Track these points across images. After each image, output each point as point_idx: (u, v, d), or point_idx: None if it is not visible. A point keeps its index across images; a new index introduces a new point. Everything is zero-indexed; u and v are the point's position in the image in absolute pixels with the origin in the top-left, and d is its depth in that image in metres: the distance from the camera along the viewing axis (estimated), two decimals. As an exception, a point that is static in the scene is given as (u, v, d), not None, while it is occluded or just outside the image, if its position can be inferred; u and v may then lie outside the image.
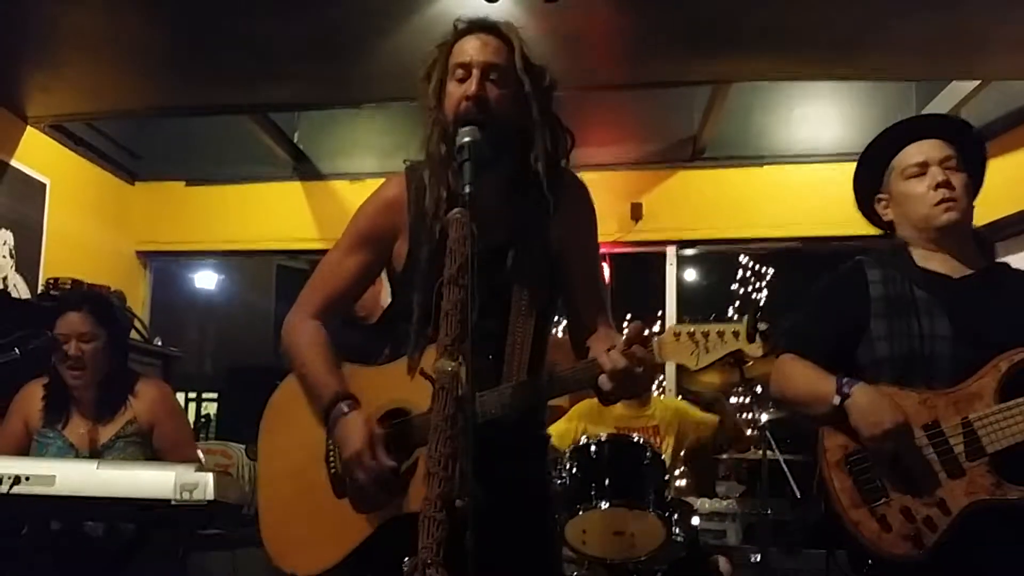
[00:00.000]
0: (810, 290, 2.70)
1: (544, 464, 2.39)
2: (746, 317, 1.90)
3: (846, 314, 2.50)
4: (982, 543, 2.22)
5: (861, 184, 2.67)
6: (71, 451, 3.35)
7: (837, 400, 2.35)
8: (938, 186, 2.45)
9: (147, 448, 3.43)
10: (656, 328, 2.01)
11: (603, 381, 1.96)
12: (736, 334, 1.89)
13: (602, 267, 2.42)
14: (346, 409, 2.11)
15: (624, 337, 1.95)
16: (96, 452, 3.34)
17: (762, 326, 1.88)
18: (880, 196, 2.61)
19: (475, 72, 2.08)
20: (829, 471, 2.38)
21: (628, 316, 2.09)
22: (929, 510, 2.24)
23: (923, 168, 2.49)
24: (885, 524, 2.27)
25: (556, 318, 2.34)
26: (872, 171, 2.62)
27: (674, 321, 6.35)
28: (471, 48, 2.11)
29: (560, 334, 2.43)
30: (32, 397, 3.47)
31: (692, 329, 1.92)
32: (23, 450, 3.38)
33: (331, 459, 2.21)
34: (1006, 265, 2.57)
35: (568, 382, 2.08)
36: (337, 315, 2.36)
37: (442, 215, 2.08)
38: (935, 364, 2.35)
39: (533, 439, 2.29)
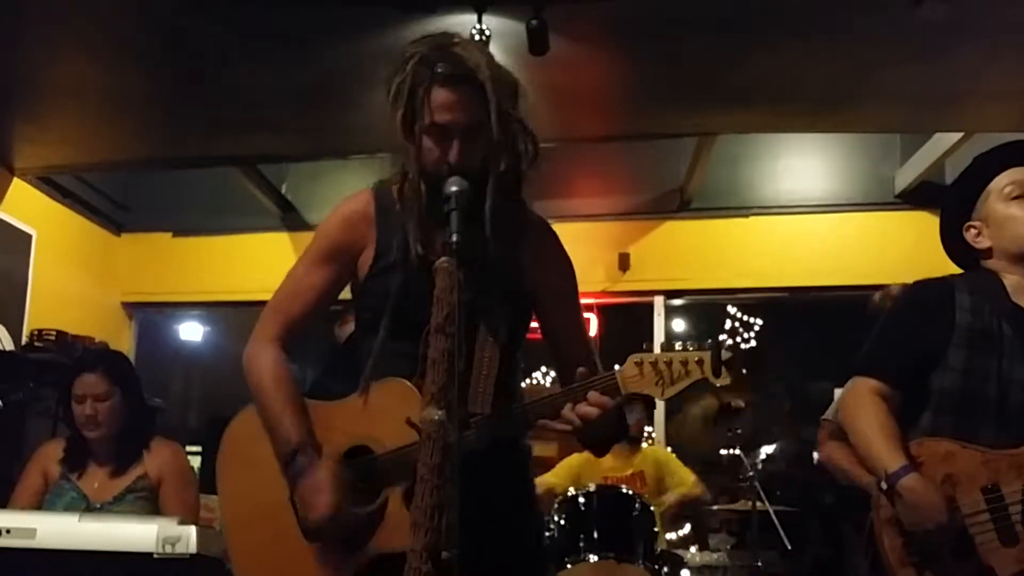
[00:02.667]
0: (894, 308, 2.61)
1: (528, 477, 2.33)
2: (709, 345, 1.85)
3: (926, 339, 2.38)
4: None
5: (950, 215, 2.52)
6: (83, 501, 3.38)
7: (884, 486, 2.27)
8: None
9: (155, 504, 3.47)
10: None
11: (563, 428, 1.93)
12: (700, 363, 1.84)
13: (582, 311, 2.36)
14: (306, 463, 2.02)
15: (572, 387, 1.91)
16: (107, 504, 3.38)
17: (726, 355, 1.84)
18: (972, 224, 2.47)
19: (456, 143, 2.02)
20: (880, 526, 2.30)
21: (616, 367, 2.03)
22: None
23: (1023, 189, 2.40)
24: None
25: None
26: (962, 200, 2.50)
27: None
28: (449, 107, 2.03)
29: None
30: (52, 450, 3.55)
31: (654, 358, 1.87)
32: (40, 502, 3.44)
33: (296, 498, 2.10)
34: None
35: (540, 415, 1.99)
36: (302, 334, 2.27)
37: (414, 237, 2.07)
38: (1005, 410, 2.28)
39: (515, 457, 2.21)
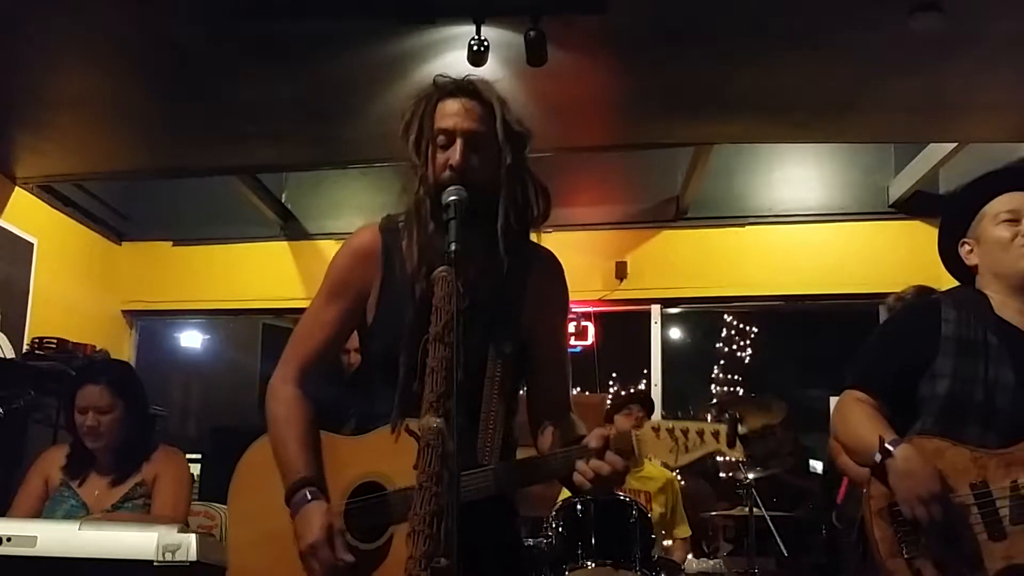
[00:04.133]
0: (882, 325, 2.71)
1: (515, 529, 2.36)
2: (727, 419, 1.90)
3: (914, 351, 2.49)
4: None
5: (947, 230, 2.66)
6: (83, 509, 3.38)
7: (878, 458, 2.33)
8: None
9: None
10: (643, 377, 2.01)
11: (580, 481, 1.95)
12: (716, 435, 1.89)
13: (567, 351, 2.37)
14: (309, 497, 2.06)
15: (593, 444, 1.93)
16: (106, 512, 3.37)
17: (742, 429, 1.90)
18: (965, 241, 2.60)
19: (458, 142, 2.09)
20: (871, 518, 2.36)
21: (614, 374, 2.09)
22: (965, 568, 2.24)
23: (1016, 215, 2.50)
24: None
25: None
26: (960, 217, 2.61)
27: (660, 383, 6.34)
28: (453, 114, 2.11)
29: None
30: (54, 458, 3.54)
31: (671, 426, 1.91)
32: (41, 509, 3.43)
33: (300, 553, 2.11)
34: None
35: (551, 470, 2.05)
36: (322, 369, 2.33)
37: (421, 274, 2.08)
38: (992, 413, 2.35)
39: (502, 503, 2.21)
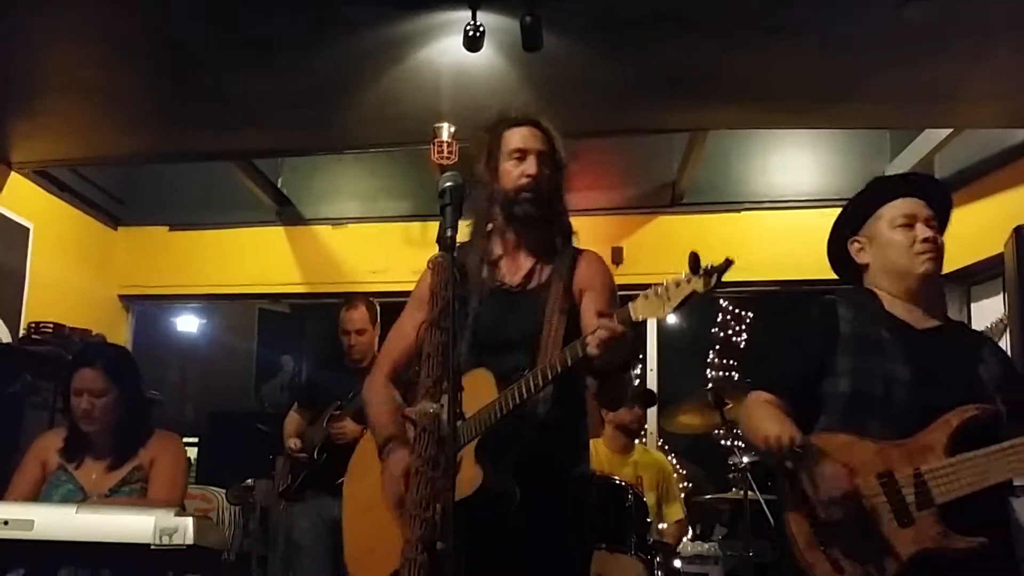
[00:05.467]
0: (783, 327, 2.84)
1: (583, 502, 2.65)
2: (688, 259, 2.16)
3: (815, 351, 2.59)
4: None
5: (841, 225, 2.77)
6: (80, 493, 3.38)
7: (789, 465, 2.45)
8: (924, 240, 2.59)
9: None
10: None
11: (591, 351, 2.18)
12: (688, 279, 2.14)
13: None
14: (392, 449, 2.46)
15: (600, 315, 2.24)
16: (102, 496, 3.38)
17: (705, 264, 2.14)
18: (857, 239, 2.71)
19: (532, 158, 2.60)
20: (788, 514, 2.48)
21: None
22: (879, 555, 2.34)
23: (911, 221, 2.62)
24: (837, 567, 2.36)
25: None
26: (856, 215, 2.73)
27: (656, 368, 6.39)
28: (526, 137, 2.63)
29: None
30: (51, 441, 3.55)
31: (653, 289, 2.21)
32: (38, 492, 3.44)
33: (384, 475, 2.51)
34: (964, 324, 2.69)
35: (555, 367, 2.28)
36: (407, 368, 2.68)
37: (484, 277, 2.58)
38: (891, 407, 2.45)
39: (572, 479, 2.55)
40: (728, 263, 2.11)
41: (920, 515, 2.33)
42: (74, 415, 3.46)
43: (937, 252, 2.60)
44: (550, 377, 2.29)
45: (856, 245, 2.71)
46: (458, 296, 2.43)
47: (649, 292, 2.20)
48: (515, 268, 2.61)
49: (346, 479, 2.81)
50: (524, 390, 2.27)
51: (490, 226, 2.68)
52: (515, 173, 2.59)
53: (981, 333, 2.80)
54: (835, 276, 2.85)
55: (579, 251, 2.69)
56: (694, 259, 2.14)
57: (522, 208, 2.56)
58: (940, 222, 2.68)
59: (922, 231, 2.59)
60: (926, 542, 2.30)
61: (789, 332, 2.84)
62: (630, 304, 2.21)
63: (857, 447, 2.42)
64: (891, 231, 2.62)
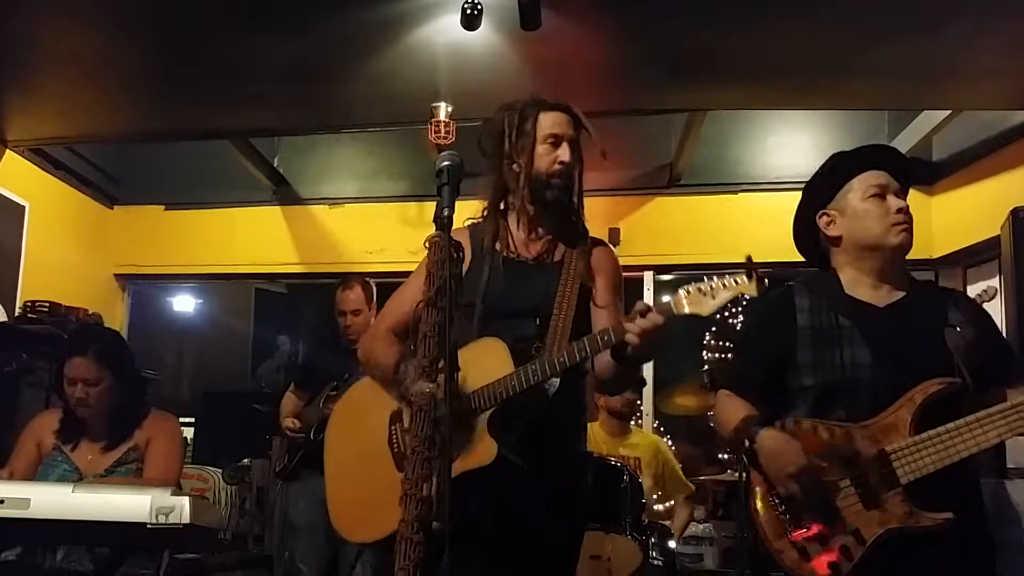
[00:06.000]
0: (744, 321, 2.85)
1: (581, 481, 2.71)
2: (745, 263, 2.21)
3: (774, 347, 2.61)
4: (897, 569, 2.32)
5: (809, 200, 2.76)
6: (75, 474, 3.40)
7: (747, 444, 2.49)
8: (899, 210, 2.57)
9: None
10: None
11: (631, 339, 2.24)
12: (737, 281, 2.18)
13: (617, 292, 2.74)
14: (405, 367, 2.39)
15: (635, 310, 2.26)
16: (98, 476, 3.40)
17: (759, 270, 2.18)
18: (827, 212, 2.69)
19: (565, 145, 2.65)
20: (753, 503, 2.51)
21: (666, 298, 2.33)
22: (845, 539, 2.34)
23: (883, 191, 2.60)
24: (804, 554, 2.38)
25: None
26: (823, 189, 2.72)
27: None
28: (560, 123, 2.67)
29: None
30: (48, 421, 3.56)
31: (700, 286, 2.24)
32: (34, 473, 3.46)
33: (394, 441, 2.53)
34: (930, 285, 2.67)
35: (585, 349, 2.32)
36: (406, 332, 2.60)
37: (497, 254, 2.62)
38: (856, 393, 2.45)
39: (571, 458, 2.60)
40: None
41: (887, 496, 2.33)
42: (68, 402, 3.47)
43: (910, 224, 2.57)
44: (578, 359, 2.33)
45: (826, 218, 2.68)
46: (473, 269, 2.60)
47: (691, 287, 2.22)
48: (531, 244, 2.67)
49: (329, 428, 2.79)
50: (548, 369, 2.32)
51: (504, 203, 2.72)
52: (549, 158, 2.64)
53: (950, 291, 2.76)
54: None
55: (595, 241, 2.73)
56: (750, 262, 2.18)
57: (553, 193, 2.61)
58: (905, 194, 2.65)
59: (895, 202, 2.58)
60: (892, 522, 2.31)
61: (749, 330, 2.90)
62: (672, 298, 2.24)
63: (820, 431, 2.44)
64: (863, 202, 2.60)
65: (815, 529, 2.38)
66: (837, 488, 2.38)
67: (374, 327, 2.80)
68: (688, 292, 2.21)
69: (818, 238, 2.73)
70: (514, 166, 2.65)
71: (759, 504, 2.49)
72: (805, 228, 2.77)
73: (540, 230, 2.68)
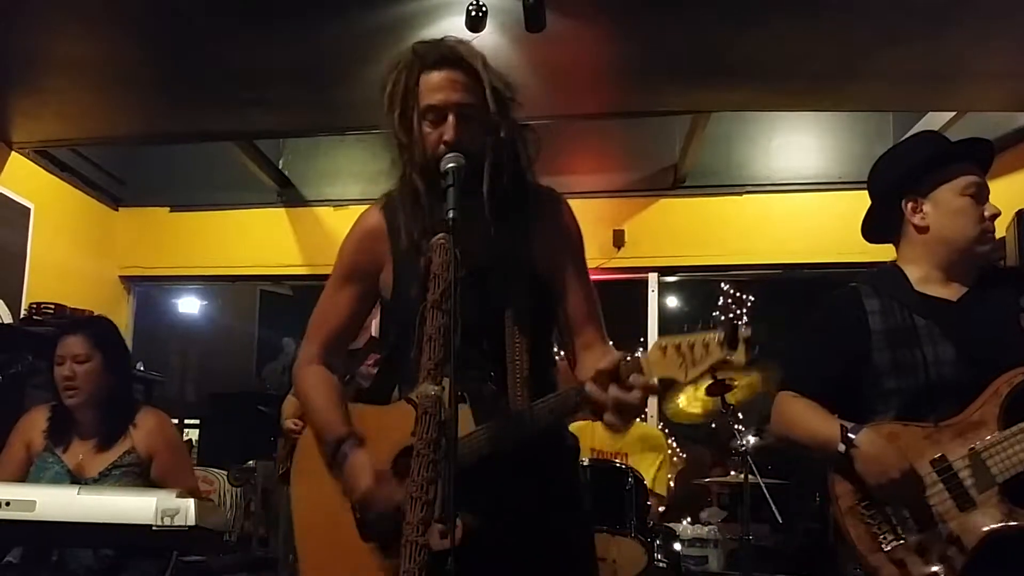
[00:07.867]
0: (807, 321, 2.65)
1: (574, 473, 2.43)
2: (723, 324, 1.90)
3: (846, 350, 2.46)
4: (1003, 571, 2.21)
5: (899, 180, 2.53)
6: (68, 476, 3.32)
7: (842, 448, 2.31)
8: (991, 217, 2.46)
9: (144, 479, 3.39)
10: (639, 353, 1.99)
11: (608, 419, 1.94)
12: (721, 344, 1.88)
13: (590, 280, 2.33)
14: (347, 451, 2.14)
15: (601, 369, 1.92)
16: (93, 479, 3.31)
17: (745, 333, 1.88)
18: (914, 199, 2.50)
19: (450, 118, 2.07)
20: (843, 518, 2.35)
21: (610, 342, 2.11)
22: (946, 548, 2.22)
23: (982, 193, 2.47)
24: (904, 568, 2.25)
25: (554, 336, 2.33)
26: (916, 172, 2.50)
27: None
28: (441, 88, 2.08)
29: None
30: (35, 421, 3.46)
31: (678, 342, 1.92)
32: (24, 474, 3.37)
33: (355, 504, 2.19)
34: (993, 270, 2.53)
35: (553, 412, 2.06)
36: (342, 348, 2.40)
37: (424, 247, 2.05)
38: (942, 391, 2.32)
39: (558, 450, 2.28)
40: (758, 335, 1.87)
41: (982, 497, 2.21)
42: (57, 388, 3.37)
43: (994, 235, 2.46)
44: (551, 420, 2.05)
45: (913, 205, 2.50)
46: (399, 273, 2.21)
47: (667, 345, 1.92)
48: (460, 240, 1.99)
49: (292, 481, 2.37)
50: (475, 455, 2.03)
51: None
52: (432, 138, 2.09)
53: (1011, 270, 2.62)
54: (834, 259, 2.72)
55: (533, 201, 2.21)
56: (731, 328, 1.87)
57: (447, 174, 2.00)
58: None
59: (990, 209, 2.45)
60: (992, 524, 2.18)
61: (816, 330, 2.63)
62: (644, 358, 1.93)
63: (904, 435, 2.30)
64: (959, 198, 2.44)
65: (914, 540, 2.25)
66: (931, 494, 2.26)
67: (305, 351, 2.35)
68: (662, 351, 1.91)
69: (897, 222, 2.54)
70: (403, 150, 2.16)
71: (848, 518, 2.33)
72: (886, 210, 2.56)
73: (470, 228, 2.01)
